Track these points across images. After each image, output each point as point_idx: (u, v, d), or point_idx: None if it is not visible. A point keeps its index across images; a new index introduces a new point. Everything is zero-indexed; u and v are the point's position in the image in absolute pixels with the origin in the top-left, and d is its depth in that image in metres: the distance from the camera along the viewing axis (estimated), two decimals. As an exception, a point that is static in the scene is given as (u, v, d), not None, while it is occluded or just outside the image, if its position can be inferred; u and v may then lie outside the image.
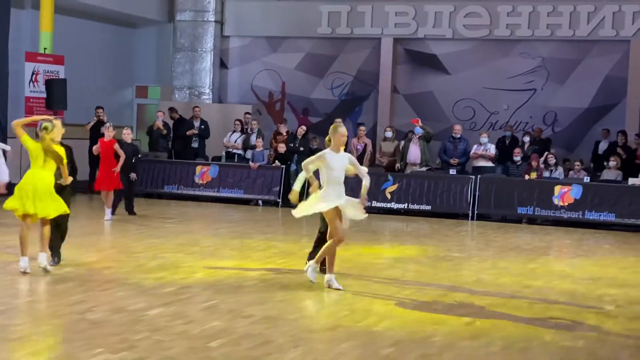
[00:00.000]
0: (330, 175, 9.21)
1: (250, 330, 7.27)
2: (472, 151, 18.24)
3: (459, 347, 7.05)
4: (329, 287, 9.20)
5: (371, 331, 7.47)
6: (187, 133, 19.90)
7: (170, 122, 20.22)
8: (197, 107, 20.42)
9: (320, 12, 21.78)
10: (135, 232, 13.36)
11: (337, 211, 9.26)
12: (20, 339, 6.64)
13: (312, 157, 9.38)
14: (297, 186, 9.61)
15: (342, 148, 9.34)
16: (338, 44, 21.97)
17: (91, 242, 12.02)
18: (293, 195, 9.57)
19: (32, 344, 6.50)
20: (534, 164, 17.34)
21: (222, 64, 22.87)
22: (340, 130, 9.31)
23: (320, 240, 9.82)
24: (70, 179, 9.65)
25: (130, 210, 15.16)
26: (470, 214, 17.10)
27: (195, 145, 19.98)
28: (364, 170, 9.61)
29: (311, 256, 9.79)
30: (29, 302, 7.98)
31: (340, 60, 21.97)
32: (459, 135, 18.50)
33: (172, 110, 20.42)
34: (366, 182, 9.34)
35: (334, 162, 9.20)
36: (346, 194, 9.37)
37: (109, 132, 14.67)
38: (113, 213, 14.55)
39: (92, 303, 8.10)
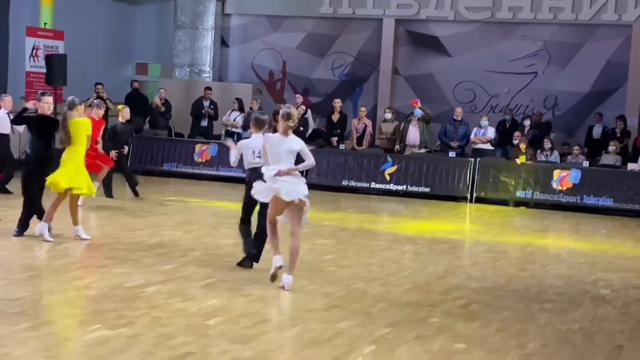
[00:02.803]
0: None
1: (247, 309, 7.31)
2: (472, 135, 18.23)
3: (454, 329, 7.09)
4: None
5: (368, 312, 7.51)
6: (203, 111, 19.88)
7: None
8: (209, 88, 20.31)
9: (321, -8, 21.70)
10: (134, 209, 13.37)
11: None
12: (19, 314, 6.67)
13: None
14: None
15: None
16: (339, 24, 21.90)
17: (90, 218, 12.04)
18: None
19: (30, 319, 6.53)
20: (522, 146, 17.31)
21: (222, 42, 22.81)
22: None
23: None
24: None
25: (135, 192, 14.73)
26: (468, 197, 17.12)
27: (204, 124, 19.94)
28: None
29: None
30: (27, 277, 8.00)
31: (341, 40, 21.91)
32: (459, 118, 18.48)
33: (207, 89, 20.26)
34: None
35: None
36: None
37: (98, 111, 13.60)
38: (110, 195, 14.20)
39: (90, 279, 8.13)
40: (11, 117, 13.99)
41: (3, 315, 6.64)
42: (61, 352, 5.80)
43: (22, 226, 10.03)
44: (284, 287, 8.15)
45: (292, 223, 8.31)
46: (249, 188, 8.80)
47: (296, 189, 8.19)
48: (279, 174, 8.13)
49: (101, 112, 13.70)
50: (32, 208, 9.99)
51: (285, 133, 8.28)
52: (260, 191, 8.39)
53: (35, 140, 9.90)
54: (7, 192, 13.89)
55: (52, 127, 9.91)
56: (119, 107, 14.91)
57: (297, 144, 8.28)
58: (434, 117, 18.68)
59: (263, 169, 8.35)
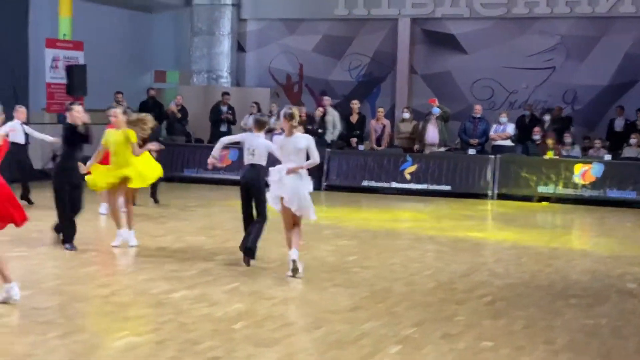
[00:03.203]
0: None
1: (272, 312, 7.34)
2: (491, 131, 18.17)
3: (481, 327, 7.09)
4: None
5: (392, 311, 7.52)
6: (222, 117, 19.95)
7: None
8: (227, 93, 20.39)
9: (336, -7, 21.73)
10: (157, 215, 13.45)
11: None
12: (47, 323, 6.73)
13: None
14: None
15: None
16: (355, 25, 21.91)
17: (112, 226, 12.08)
18: None
19: (59, 328, 6.59)
20: (549, 142, 17.24)
21: (239, 47, 22.87)
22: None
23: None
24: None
25: (155, 199, 14.84)
26: (490, 194, 17.06)
27: (224, 129, 20.00)
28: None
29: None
30: (54, 286, 8.08)
31: (357, 41, 21.91)
32: (479, 115, 18.42)
33: (224, 94, 20.36)
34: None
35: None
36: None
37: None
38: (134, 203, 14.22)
39: (116, 286, 8.19)
40: (25, 128, 14.15)
41: (32, 324, 6.71)
42: (90, 359, 5.85)
43: (63, 237, 10.01)
44: (293, 260, 8.65)
45: (295, 217, 8.85)
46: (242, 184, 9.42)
47: (297, 192, 8.67)
48: (287, 172, 8.59)
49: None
50: (60, 217, 9.97)
51: (290, 133, 8.74)
52: (271, 200, 8.90)
53: (62, 148, 9.99)
54: (30, 202, 14.05)
55: (78, 136, 9.90)
56: (142, 115, 14.95)
57: (302, 141, 8.73)
58: (452, 115, 18.66)
59: (270, 173, 8.87)
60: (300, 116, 18.92)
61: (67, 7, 19.49)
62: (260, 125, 9.55)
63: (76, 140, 9.83)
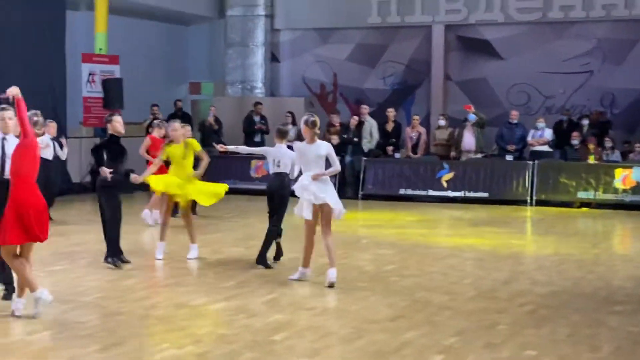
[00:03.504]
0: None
1: (312, 323, 7.31)
2: (529, 137, 18.00)
3: (523, 335, 6.99)
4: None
5: (433, 321, 7.45)
6: (256, 127, 20.01)
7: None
8: (259, 103, 20.45)
9: (369, 2, 21.67)
10: (195, 227, 13.44)
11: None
12: (89, 336, 6.76)
13: None
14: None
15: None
16: (389, 33, 21.85)
17: (150, 238, 12.15)
18: None
19: (100, 341, 6.62)
20: (590, 147, 17.05)
21: (273, 57, 22.92)
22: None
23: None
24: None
25: (194, 210, 14.79)
26: (528, 200, 16.90)
27: (257, 139, 20.05)
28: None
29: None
30: (95, 299, 8.12)
31: (391, 49, 21.85)
32: (515, 121, 18.25)
33: (257, 104, 20.41)
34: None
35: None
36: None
37: (160, 131, 14.16)
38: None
39: (156, 299, 8.21)
40: (56, 143, 14.20)
41: (74, 337, 6.74)
42: (131, 372, 5.86)
43: (110, 254, 9.83)
44: (330, 284, 8.66)
45: (322, 223, 8.87)
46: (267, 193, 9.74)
47: (326, 191, 8.76)
48: (313, 178, 8.69)
49: (163, 131, 13.92)
50: (110, 233, 9.86)
51: (311, 140, 8.85)
52: (300, 209, 8.90)
53: (107, 162, 9.80)
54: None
55: (120, 147, 9.86)
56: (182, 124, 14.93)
57: (324, 149, 8.83)
58: (489, 121, 18.52)
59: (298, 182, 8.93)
60: (334, 125, 19.06)
61: (103, 22, 19.67)
62: (281, 135, 9.77)
63: (119, 151, 9.81)
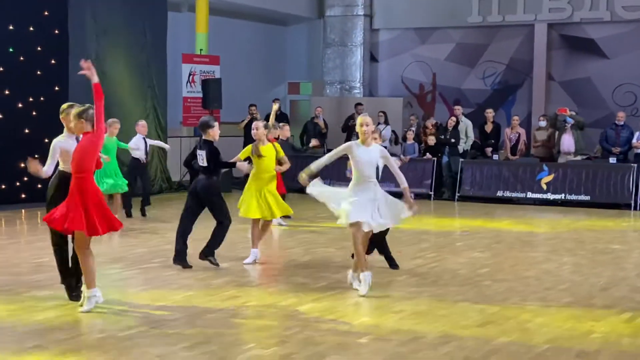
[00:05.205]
0: (355, 169, 8.39)
1: (399, 326, 7.21)
2: (634, 139, 17.38)
3: (619, 345, 6.73)
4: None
5: (525, 327, 7.25)
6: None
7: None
8: (360, 104, 20.36)
9: (470, 1, 21.39)
10: (286, 228, 13.54)
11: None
12: (176, 334, 6.84)
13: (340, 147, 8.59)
14: (313, 166, 8.84)
15: (371, 140, 8.39)
16: (489, 33, 21.51)
17: (245, 238, 12.23)
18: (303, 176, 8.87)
19: (187, 339, 6.69)
20: None
21: (372, 57, 22.87)
22: (359, 120, 8.38)
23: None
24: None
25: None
26: (632, 204, 16.32)
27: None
28: (397, 169, 8.49)
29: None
30: (185, 298, 8.21)
31: (492, 48, 21.51)
32: (622, 123, 17.65)
33: (358, 105, 20.37)
34: (403, 183, 8.35)
35: (361, 155, 8.34)
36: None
37: (275, 132, 13.07)
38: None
39: (245, 298, 8.25)
40: (147, 142, 14.32)
41: (162, 335, 6.82)
42: (216, 371, 5.89)
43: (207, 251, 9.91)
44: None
45: None
46: None
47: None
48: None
49: (278, 132, 13.47)
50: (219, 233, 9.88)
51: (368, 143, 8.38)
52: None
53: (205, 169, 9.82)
54: (130, 215, 14.08)
55: (217, 153, 9.82)
56: (280, 124, 14.89)
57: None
58: (593, 122, 18.01)
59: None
60: (429, 127, 18.85)
61: (204, 23, 20.01)
62: None
63: (218, 157, 9.78)
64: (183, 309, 7.75)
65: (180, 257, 9.71)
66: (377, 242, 9.73)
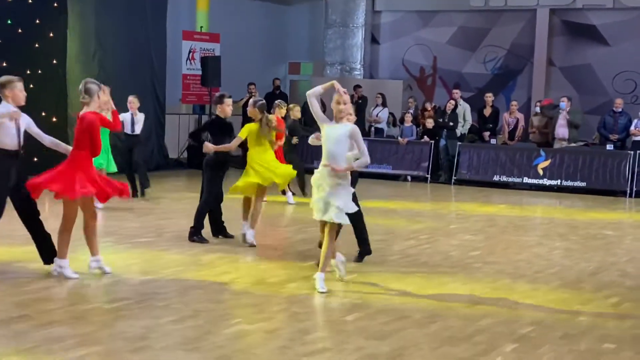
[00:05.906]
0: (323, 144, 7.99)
1: (386, 305, 7.24)
2: (632, 126, 17.34)
3: (603, 328, 6.76)
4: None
5: (512, 309, 7.29)
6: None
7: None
8: (359, 86, 20.30)
9: (473, -16, 21.32)
10: (281, 205, 13.54)
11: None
12: (164, 307, 6.88)
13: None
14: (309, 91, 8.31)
15: (345, 121, 7.93)
16: (491, 17, 21.44)
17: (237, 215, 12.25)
18: None
19: (174, 312, 6.72)
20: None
21: (373, 39, 22.80)
22: (335, 97, 7.96)
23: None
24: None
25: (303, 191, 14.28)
26: (628, 191, 16.33)
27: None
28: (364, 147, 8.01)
29: None
30: (175, 272, 8.24)
31: (493, 33, 21.44)
32: (620, 110, 17.62)
33: (356, 87, 20.31)
34: (362, 161, 7.94)
35: (328, 131, 7.94)
36: None
37: (280, 111, 13.10)
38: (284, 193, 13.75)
39: (235, 274, 8.28)
40: (135, 119, 14.11)
41: (150, 308, 6.86)
42: (201, 345, 5.92)
43: (216, 230, 10.15)
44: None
45: None
46: None
47: None
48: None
49: (283, 111, 13.28)
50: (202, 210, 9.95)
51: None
52: None
53: (212, 141, 9.80)
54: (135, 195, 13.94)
55: (228, 128, 9.86)
56: (291, 105, 14.76)
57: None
58: (592, 109, 18.03)
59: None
60: (428, 110, 18.82)
61: (205, 1, 19.95)
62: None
63: (225, 132, 9.82)
64: (172, 282, 7.79)
65: (197, 233, 9.91)
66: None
